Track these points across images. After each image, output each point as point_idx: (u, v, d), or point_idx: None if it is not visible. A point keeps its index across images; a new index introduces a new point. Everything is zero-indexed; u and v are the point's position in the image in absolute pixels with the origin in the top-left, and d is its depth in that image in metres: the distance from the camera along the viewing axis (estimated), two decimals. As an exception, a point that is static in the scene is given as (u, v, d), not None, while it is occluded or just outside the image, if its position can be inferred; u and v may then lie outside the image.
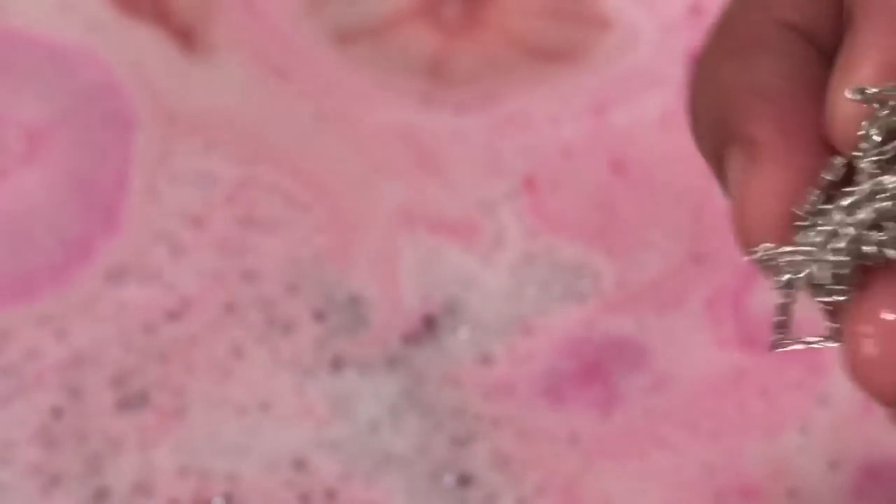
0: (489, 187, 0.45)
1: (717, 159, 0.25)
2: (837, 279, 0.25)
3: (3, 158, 0.46)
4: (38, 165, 0.46)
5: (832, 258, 0.25)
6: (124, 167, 0.46)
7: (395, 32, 0.48)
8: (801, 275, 0.25)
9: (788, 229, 0.25)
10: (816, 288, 0.25)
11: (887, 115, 0.24)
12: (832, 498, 0.42)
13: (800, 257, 0.25)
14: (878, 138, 0.25)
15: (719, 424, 0.43)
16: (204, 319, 0.43)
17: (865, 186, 0.25)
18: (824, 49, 0.25)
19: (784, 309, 0.26)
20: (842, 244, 0.25)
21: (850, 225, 0.25)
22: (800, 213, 0.25)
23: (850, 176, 0.25)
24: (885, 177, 0.25)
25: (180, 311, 0.44)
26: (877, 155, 0.25)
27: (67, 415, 0.42)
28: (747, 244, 0.25)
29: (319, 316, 0.43)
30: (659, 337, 0.43)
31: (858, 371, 0.23)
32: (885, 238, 0.25)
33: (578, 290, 0.44)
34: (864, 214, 0.25)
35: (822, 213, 0.25)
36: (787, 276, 0.25)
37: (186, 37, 0.48)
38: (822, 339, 0.26)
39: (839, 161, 0.25)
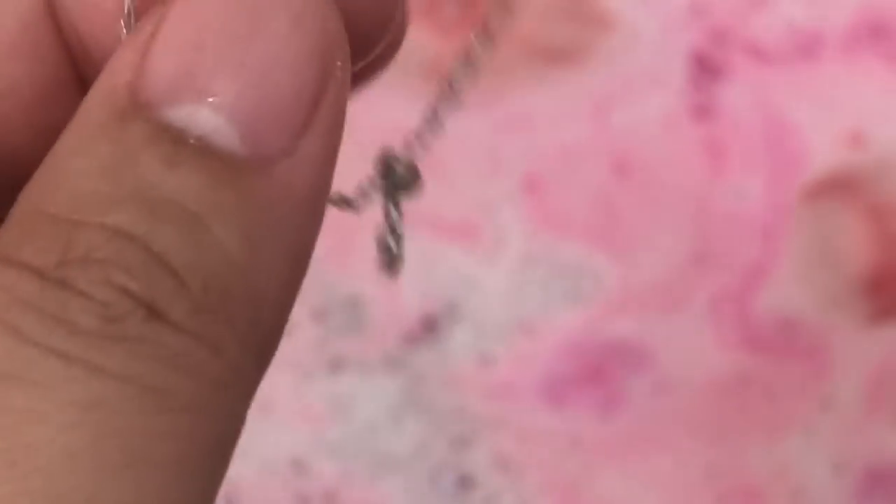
0: (489, 187, 0.45)
1: None
2: None
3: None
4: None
5: None
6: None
7: (395, 32, 0.48)
8: None
9: None
10: None
11: None
12: (836, 501, 0.42)
13: None
14: None
15: (722, 426, 0.43)
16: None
17: None
18: None
19: None
20: None
21: None
22: None
23: None
24: None
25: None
26: None
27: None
28: None
29: (319, 317, 0.43)
30: (661, 338, 0.43)
31: None
32: None
33: (579, 291, 0.44)
34: None
35: None
36: None
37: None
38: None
39: None
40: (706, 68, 0.45)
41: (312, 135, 0.19)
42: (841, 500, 0.42)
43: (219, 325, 0.18)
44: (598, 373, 0.43)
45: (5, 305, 0.18)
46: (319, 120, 0.20)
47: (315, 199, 0.20)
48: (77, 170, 0.19)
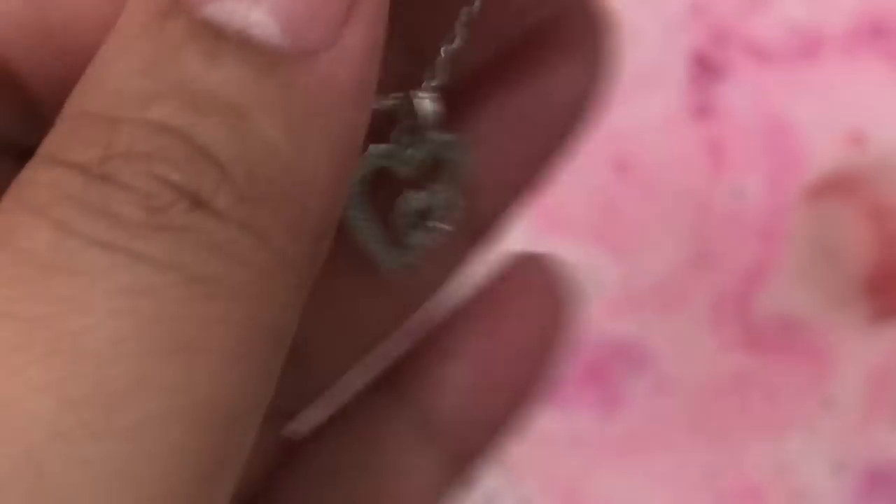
0: (489, 187, 0.45)
1: None
2: None
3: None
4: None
5: None
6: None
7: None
8: None
9: None
10: None
11: None
12: (836, 501, 0.42)
13: None
14: None
15: (722, 426, 0.43)
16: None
17: None
18: None
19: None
20: None
21: None
22: None
23: None
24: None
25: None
26: None
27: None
28: None
29: (319, 316, 0.43)
30: (662, 339, 0.43)
31: None
32: None
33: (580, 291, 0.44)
34: None
35: None
36: None
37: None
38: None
39: None
40: (706, 68, 0.45)
41: (354, 26, 0.19)
42: (841, 500, 0.42)
43: (265, 214, 0.18)
44: (598, 372, 0.43)
45: (49, 201, 0.18)
46: (361, 11, 0.19)
47: (359, 91, 0.20)
48: (118, 69, 0.19)
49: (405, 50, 0.25)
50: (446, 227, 0.27)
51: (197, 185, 0.18)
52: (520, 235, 0.44)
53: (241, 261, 0.18)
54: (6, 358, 0.17)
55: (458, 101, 0.26)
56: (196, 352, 0.17)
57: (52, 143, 0.19)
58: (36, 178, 0.18)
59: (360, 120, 0.20)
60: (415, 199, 0.27)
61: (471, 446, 0.28)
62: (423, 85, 0.25)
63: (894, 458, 0.42)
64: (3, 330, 0.17)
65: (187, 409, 0.17)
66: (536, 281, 0.29)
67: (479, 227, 0.28)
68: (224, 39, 0.19)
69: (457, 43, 0.25)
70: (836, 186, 0.45)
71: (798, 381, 0.43)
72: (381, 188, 0.26)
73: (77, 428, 0.17)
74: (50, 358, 0.17)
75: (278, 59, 0.19)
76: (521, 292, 0.29)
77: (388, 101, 0.25)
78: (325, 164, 0.19)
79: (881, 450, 0.42)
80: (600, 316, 0.44)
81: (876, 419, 0.42)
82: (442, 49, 0.25)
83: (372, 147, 0.26)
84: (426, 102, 0.25)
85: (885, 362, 0.43)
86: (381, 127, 0.25)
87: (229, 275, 0.18)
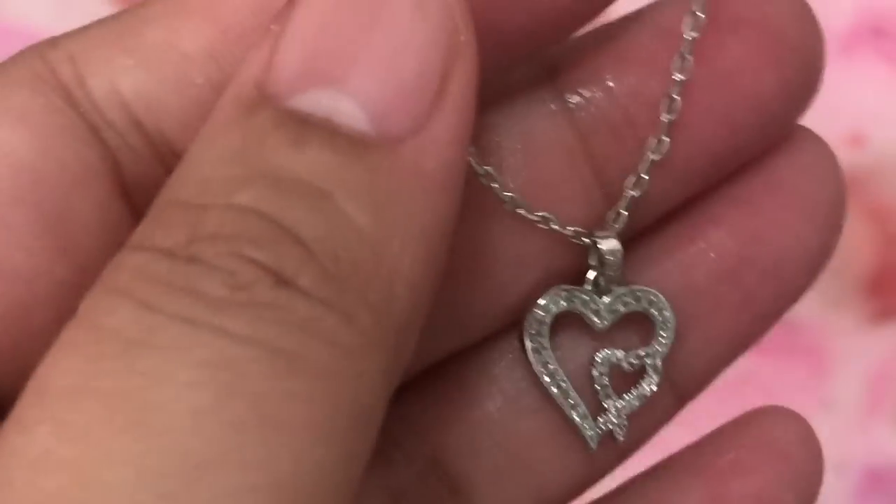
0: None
1: None
2: None
3: None
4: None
5: None
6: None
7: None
8: None
9: None
10: None
11: None
12: (836, 501, 0.42)
13: None
14: None
15: (722, 427, 0.43)
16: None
17: None
18: None
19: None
20: None
21: None
22: None
23: None
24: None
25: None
26: None
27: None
28: None
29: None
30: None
31: None
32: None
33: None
34: None
35: None
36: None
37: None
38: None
39: None
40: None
41: (441, 115, 0.19)
42: (841, 500, 0.42)
43: (350, 295, 0.18)
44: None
45: (132, 282, 0.18)
46: (448, 98, 0.19)
47: (446, 178, 0.20)
48: (206, 159, 0.19)
49: (594, 181, 0.24)
50: (650, 390, 0.26)
51: (281, 263, 0.18)
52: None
53: (324, 338, 0.18)
54: (88, 431, 0.17)
55: (644, 245, 0.25)
56: (277, 427, 0.17)
57: (140, 232, 0.19)
58: (121, 263, 0.18)
59: (448, 207, 0.20)
60: (612, 356, 0.26)
61: None
62: (606, 225, 0.25)
63: (894, 458, 0.42)
64: (84, 404, 0.17)
65: (268, 486, 0.17)
66: (773, 439, 0.27)
67: (686, 387, 0.27)
68: (310, 127, 0.19)
69: (637, 183, 0.24)
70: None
71: (798, 381, 0.43)
72: (562, 331, 0.25)
73: (157, 500, 0.17)
74: (131, 430, 0.17)
75: (364, 146, 0.19)
76: (753, 448, 0.27)
77: (568, 231, 0.24)
78: (411, 249, 0.19)
79: (880, 449, 0.42)
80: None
81: (875, 419, 0.42)
82: (626, 190, 0.24)
83: (559, 290, 0.25)
84: (613, 244, 0.25)
85: (885, 362, 0.43)
86: (555, 257, 0.25)
87: (312, 352, 0.18)
